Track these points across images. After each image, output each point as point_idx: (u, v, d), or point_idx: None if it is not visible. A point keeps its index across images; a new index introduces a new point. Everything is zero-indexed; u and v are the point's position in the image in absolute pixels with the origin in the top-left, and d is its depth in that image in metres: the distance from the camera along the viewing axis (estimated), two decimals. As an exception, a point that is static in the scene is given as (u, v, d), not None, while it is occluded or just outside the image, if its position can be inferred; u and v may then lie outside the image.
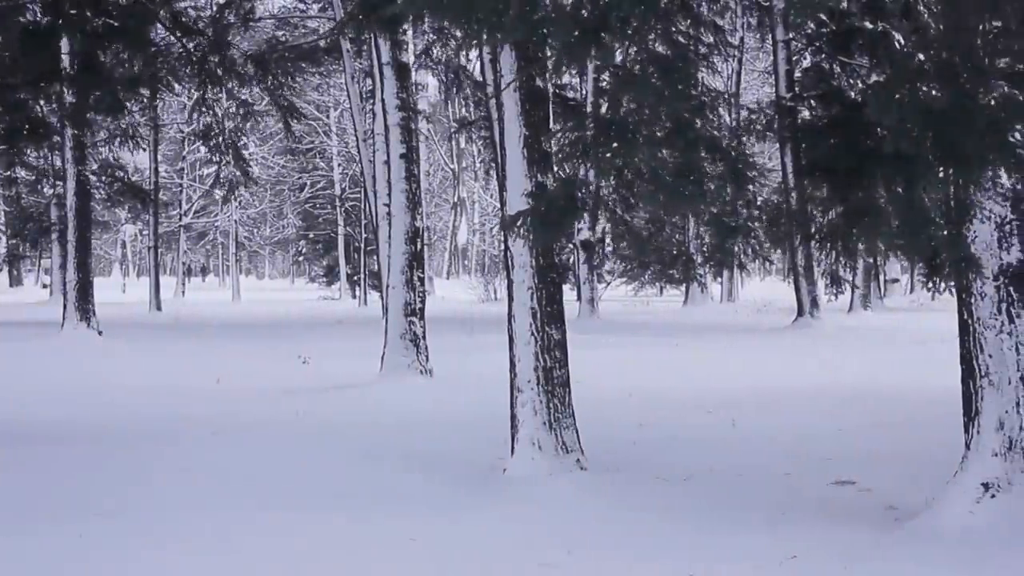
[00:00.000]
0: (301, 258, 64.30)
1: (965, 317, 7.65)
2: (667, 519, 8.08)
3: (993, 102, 6.56)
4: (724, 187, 8.78)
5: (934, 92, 6.60)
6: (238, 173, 30.78)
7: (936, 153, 6.67)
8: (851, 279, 37.71)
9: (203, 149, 41.62)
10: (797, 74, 24.71)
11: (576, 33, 7.25)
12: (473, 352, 19.49)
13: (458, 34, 16.14)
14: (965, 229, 7.51)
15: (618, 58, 8.15)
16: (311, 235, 56.60)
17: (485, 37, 7.77)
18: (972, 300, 7.57)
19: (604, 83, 25.09)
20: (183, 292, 55.86)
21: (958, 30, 7.05)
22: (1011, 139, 6.56)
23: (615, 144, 7.85)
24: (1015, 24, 7.02)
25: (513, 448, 9.73)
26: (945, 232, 7.14)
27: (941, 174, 6.84)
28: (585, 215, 8.11)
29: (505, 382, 9.89)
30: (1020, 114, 6.61)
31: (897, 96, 6.52)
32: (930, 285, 8.02)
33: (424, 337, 16.96)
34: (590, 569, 7.03)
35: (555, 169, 9.69)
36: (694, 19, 8.27)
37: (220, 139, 27.12)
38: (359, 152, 28.05)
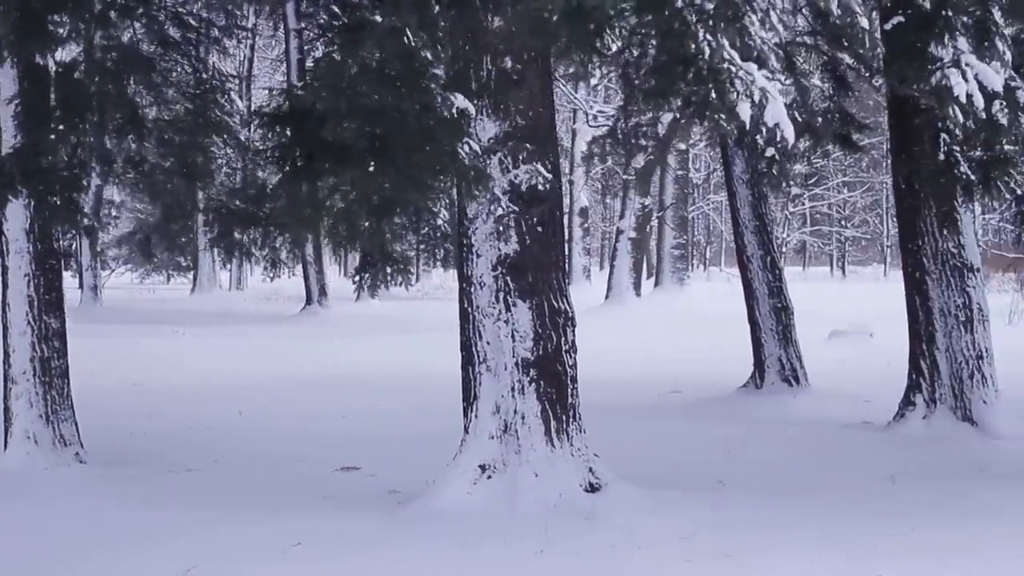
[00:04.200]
0: None
1: (465, 306, 7.93)
2: (169, 512, 7.89)
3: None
4: (234, 174, 8.66)
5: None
6: None
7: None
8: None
9: None
10: (309, 63, 24.85)
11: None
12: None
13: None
14: (466, 223, 7.79)
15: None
16: None
17: None
18: (472, 289, 7.87)
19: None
20: None
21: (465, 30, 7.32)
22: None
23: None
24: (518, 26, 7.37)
25: (7, 442, 9.34)
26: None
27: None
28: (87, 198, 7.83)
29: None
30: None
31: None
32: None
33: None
34: (78, 565, 6.75)
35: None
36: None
37: None
38: None
